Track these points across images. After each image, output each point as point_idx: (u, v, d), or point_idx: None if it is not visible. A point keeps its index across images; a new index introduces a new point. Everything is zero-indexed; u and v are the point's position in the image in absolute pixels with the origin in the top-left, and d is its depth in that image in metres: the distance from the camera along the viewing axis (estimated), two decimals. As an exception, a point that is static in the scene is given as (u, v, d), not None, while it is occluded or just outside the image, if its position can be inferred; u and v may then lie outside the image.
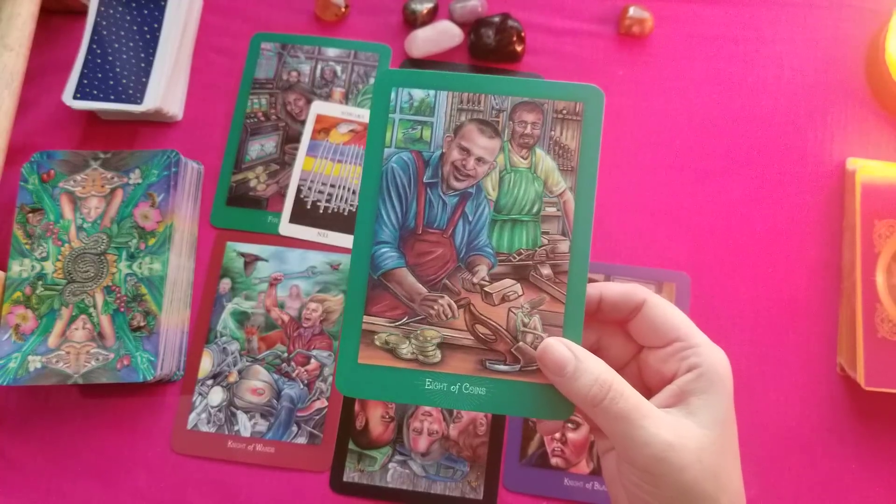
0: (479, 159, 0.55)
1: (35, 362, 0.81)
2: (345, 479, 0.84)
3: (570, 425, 0.84)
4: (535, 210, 0.54)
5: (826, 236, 0.89)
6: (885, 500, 0.82)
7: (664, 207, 0.91)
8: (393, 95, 0.56)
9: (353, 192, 0.92)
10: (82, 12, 0.96)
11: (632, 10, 0.94)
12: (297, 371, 0.87)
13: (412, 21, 0.97)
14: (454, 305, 0.54)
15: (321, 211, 0.91)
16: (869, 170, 0.84)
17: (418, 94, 0.56)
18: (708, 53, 0.95)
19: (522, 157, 0.55)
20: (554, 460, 0.83)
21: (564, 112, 0.55)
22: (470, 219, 0.54)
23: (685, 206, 0.91)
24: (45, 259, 0.84)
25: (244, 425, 0.85)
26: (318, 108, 0.95)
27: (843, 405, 0.84)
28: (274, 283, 0.90)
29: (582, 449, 0.84)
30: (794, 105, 0.93)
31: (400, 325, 0.54)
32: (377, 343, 0.54)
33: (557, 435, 0.84)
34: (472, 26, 0.96)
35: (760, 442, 0.83)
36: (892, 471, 0.82)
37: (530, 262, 0.54)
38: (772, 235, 0.89)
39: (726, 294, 0.88)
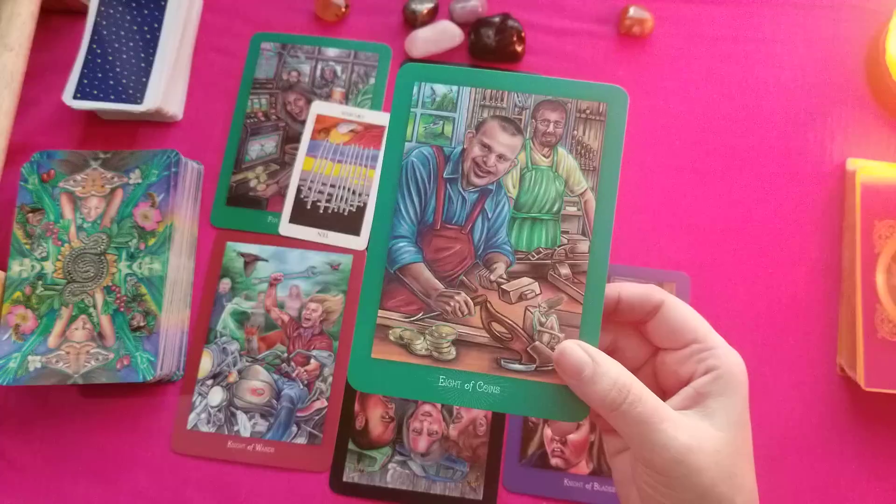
0: (500, 156, 0.54)
1: (35, 362, 0.81)
2: (344, 479, 0.84)
3: (570, 426, 0.84)
4: (555, 209, 0.54)
5: (826, 237, 0.89)
6: (885, 501, 0.82)
7: (664, 207, 0.91)
8: (415, 90, 0.55)
9: (354, 193, 0.92)
10: (82, 12, 0.96)
11: (632, 11, 0.95)
12: (296, 371, 0.87)
13: (412, 21, 0.97)
14: (471, 302, 0.54)
15: (321, 211, 0.91)
16: (869, 170, 0.85)
17: (441, 89, 0.55)
18: (708, 54, 0.96)
19: (544, 156, 0.54)
20: (554, 461, 0.84)
21: (588, 112, 0.54)
22: (489, 216, 0.54)
23: (685, 206, 0.91)
24: (45, 259, 0.84)
25: (244, 425, 0.85)
26: (318, 108, 0.95)
27: (843, 406, 0.85)
28: (274, 283, 0.90)
29: (582, 449, 0.84)
30: (794, 105, 0.93)
31: (415, 320, 0.53)
32: (391, 338, 0.53)
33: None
34: (472, 26, 0.96)
35: (760, 442, 0.81)
36: (892, 471, 0.83)
37: (549, 262, 0.54)
38: (772, 235, 0.89)
39: (726, 294, 0.88)
